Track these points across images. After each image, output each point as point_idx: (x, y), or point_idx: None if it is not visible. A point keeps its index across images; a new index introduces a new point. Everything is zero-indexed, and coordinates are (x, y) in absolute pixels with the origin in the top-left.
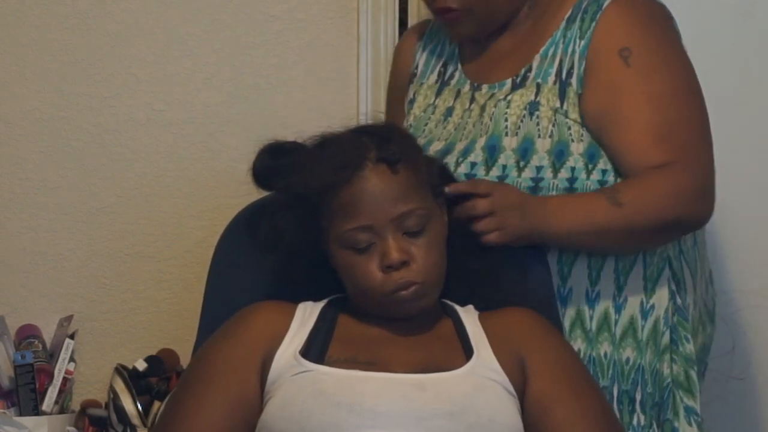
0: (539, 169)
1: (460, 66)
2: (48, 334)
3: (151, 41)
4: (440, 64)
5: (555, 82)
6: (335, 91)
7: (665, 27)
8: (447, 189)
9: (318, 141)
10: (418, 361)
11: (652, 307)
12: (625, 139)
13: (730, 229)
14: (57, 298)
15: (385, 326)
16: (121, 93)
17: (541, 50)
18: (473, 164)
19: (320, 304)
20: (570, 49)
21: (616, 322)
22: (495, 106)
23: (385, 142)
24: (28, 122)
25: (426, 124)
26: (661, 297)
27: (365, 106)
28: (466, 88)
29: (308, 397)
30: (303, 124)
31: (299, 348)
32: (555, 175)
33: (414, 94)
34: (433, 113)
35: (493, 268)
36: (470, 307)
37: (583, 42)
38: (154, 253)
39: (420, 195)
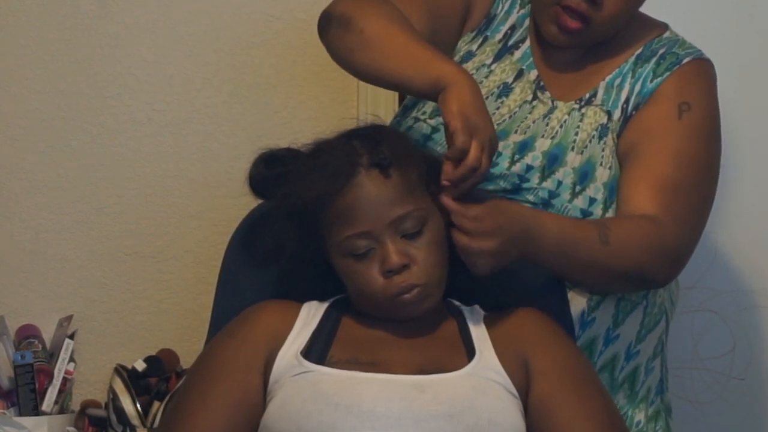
0: (592, 201)
1: (529, 42)
2: (48, 334)
3: (151, 41)
4: (509, 23)
5: (620, 116)
6: (335, 91)
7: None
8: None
9: (311, 149)
10: (419, 362)
11: (638, 352)
12: (634, 174)
13: (730, 229)
14: (57, 298)
15: (388, 327)
16: (121, 93)
17: (608, 78)
18: (529, 167)
19: (325, 304)
20: (637, 88)
21: (601, 353)
22: (568, 114)
23: (376, 145)
24: (28, 122)
25: None
26: (648, 346)
27: (365, 106)
28: (532, 75)
29: (307, 398)
30: (303, 124)
31: (301, 348)
32: (603, 214)
33: (477, 48)
34: (486, 77)
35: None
36: (476, 307)
37: (651, 85)
38: (154, 253)
39: (415, 196)
